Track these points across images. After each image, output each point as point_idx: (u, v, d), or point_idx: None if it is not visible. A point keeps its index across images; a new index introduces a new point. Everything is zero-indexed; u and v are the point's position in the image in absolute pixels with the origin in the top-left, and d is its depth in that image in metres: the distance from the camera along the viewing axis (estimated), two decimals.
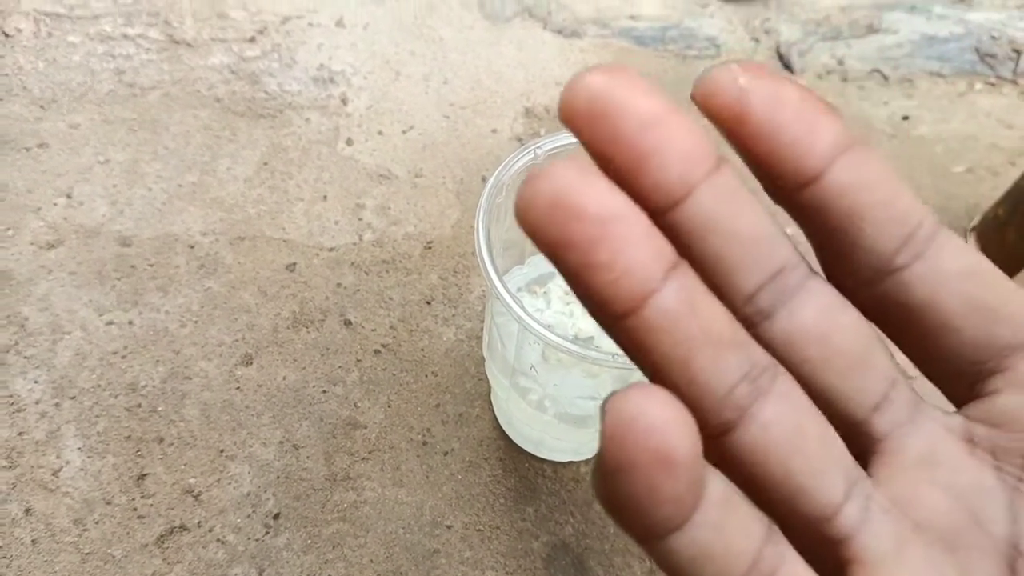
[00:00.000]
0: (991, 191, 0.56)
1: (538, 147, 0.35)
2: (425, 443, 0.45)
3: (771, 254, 0.16)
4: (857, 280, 0.17)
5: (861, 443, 0.17)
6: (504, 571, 0.41)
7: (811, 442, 0.16)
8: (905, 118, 0.61)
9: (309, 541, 0.41)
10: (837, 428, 0.17)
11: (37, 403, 0.44)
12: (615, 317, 0.15)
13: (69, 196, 0.52)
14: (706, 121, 0.17)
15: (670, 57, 0.63)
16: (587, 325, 0.40)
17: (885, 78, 0.63)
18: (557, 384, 0.37)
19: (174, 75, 0.58)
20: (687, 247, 0.16)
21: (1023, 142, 0.60)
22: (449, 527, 0.42)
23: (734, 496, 0.16)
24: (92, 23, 0.60)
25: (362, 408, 0.45)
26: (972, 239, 0.54)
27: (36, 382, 0.45)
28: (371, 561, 0.41)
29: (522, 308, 0.31)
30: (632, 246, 0.15)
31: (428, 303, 0.49)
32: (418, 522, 0.42)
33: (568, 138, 0.36)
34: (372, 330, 0.48)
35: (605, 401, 0.14)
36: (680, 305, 0.15)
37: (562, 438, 0.41)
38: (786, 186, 0.17)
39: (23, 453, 0.43)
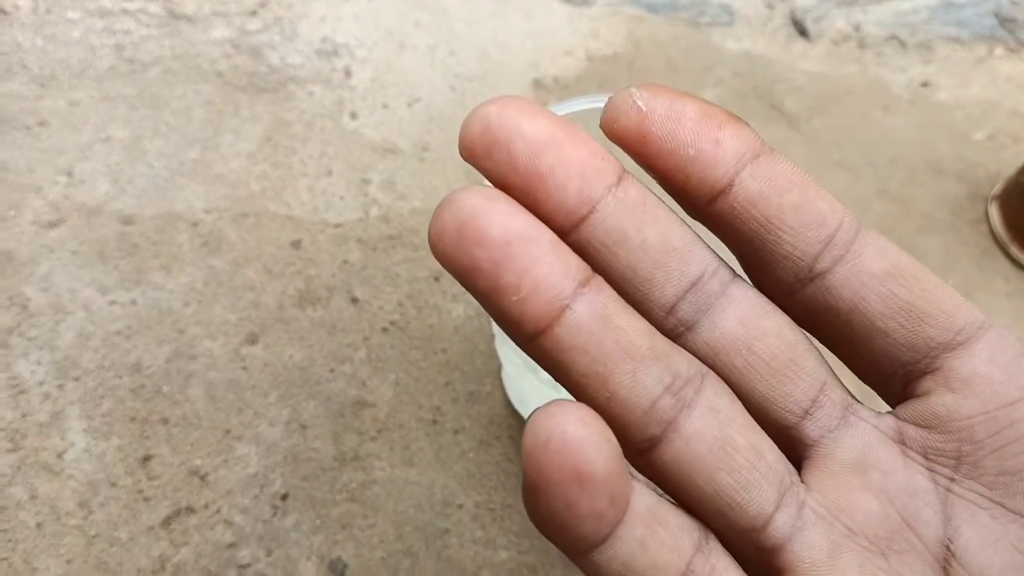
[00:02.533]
0: (1013, 158, 0.55)
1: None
2: (435, 422, 0.44)
3: (686, 263, 0.16)
4: (781, 288, 0.17)
5: (793, 449, 0.17)
6: (517, 550, 0.40)
7: (738, 453, 0.16)
8: (924, 84, 0.59)
9: (318, 522, 0.41)
10: (769, 434, 0.17)
11: (40, 384, 0.44)
12: (528, 338, 0.15)
13: (70, 174, 0.51)
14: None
15: (682, 24, 0.61)
16: None
17: (903, 44, 0.62)
18: None
19: (175, 50, 0.57)
20: (598, 264, 0.16)
21: None
22: (460, 506, 0.41)
23: (661, 509, 0.16)
24: None
25: (370, 387, 0.44)
26: (995, 207, 0.53)
27: (39, 363, 0.44)
28: (381, 541, 0.40)
29: None
30: (537, 265, 0.15)
31: (436, 279, 0.48)
32: (429, 501, 0.41)
33: (580, 104, 0.34)
34: (380, 307, 0.47)
35: (528, 417, 0.14)
36: (592, 320, 0.15)
37: None
38: (697, 200, 0.16)
39: (27, 435, 0.42)
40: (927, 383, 0.17)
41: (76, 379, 0.44)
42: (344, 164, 0.53)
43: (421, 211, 0.51)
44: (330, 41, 0.58)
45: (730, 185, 0.16)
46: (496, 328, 0.39)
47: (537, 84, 0.57)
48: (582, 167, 0.15)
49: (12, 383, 0.44)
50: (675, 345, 0.16)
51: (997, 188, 0.53)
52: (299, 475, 0.42)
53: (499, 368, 0.45)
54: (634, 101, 0.16)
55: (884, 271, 0.16)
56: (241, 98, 0.55)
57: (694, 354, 0.17)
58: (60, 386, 0.44)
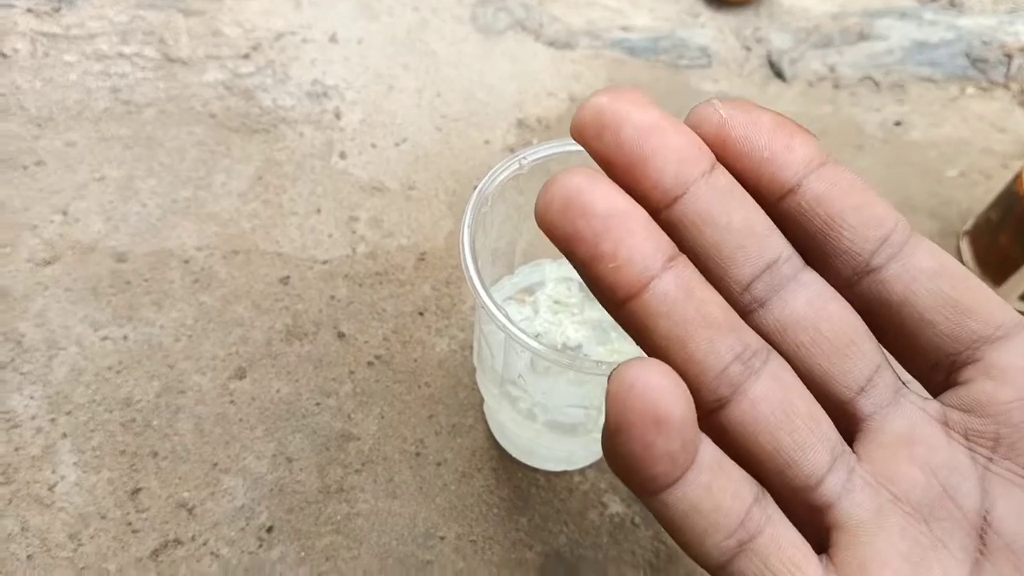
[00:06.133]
0: (984, 195, 0.56)
1: (523, 158, 0.35)
2: (418, 454, 0.45)
3: (765, 247, 0.18)
4: (839, 281, 0.19)
5: (847, 422, 0.19)
6: None
7: (798, 418, 0.18)
8: (897, 123, 0.61)
9: (303, 554, 0.41)
10: (825, 408, 0.18)
11: (33, 419, 0.45)
12: (619, 302, 0.17)
13: (65, 213, 0.52)
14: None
15: (662, 67, 0.63)
16: (574, 334, 0.40)
17: (877, 84, 0.63)
18: (546, 392, 0.37)
19: (169, 92, 0.59)
20: (686, 241, 0.18)
21: (1015, 145, 0.60)
22: (442, 538, 0.42)
23: (725, 462, 0.18)
24: (88, 42, 0.61)
25: (355, 420, 0.45)
26: (966, 243, 0.54)
27: (32, 398, 0.45)
28: (364, 573, 0.41)
29: (507, 317, 0.31)
30: (633, 238, 0.17)
31: (421, 314, 0.50)
32: (411, 533, 0.42)
33: (551, 148, 0.36)
34: (365, 342, 0.48)
35: (611, 371, 0.16)
36: (678, 291, 0.17)
37: (553, 447, 0.42)
38: (768, 197, 0.18)
39: (19, 469, 0.43)
40: (969, 372, 0.18)
41: (68, 413, 0.45)
42: (333, 202, 0.54)
43: (407, 247, 0.52)
44: (320, 84, 0.60)
45: (798, 185, 0.18)
46: (477, 361, 0.41)
47: (521, 124, 0.59)
48: (681, 153, 0.17)
49: (5, 417, 0.45)
50: (746, 324, 0.18)
51: (968, 224, 0.55)
52: (284, 507, 0.43)
53: (482, 401, 0.46)
54: (716, 110, 0.18)
55: (933, 269, 0.18)
56: (233, 139, 0.57)
57: (764, 329, 0.18)
58: (52, 420, 0.45)
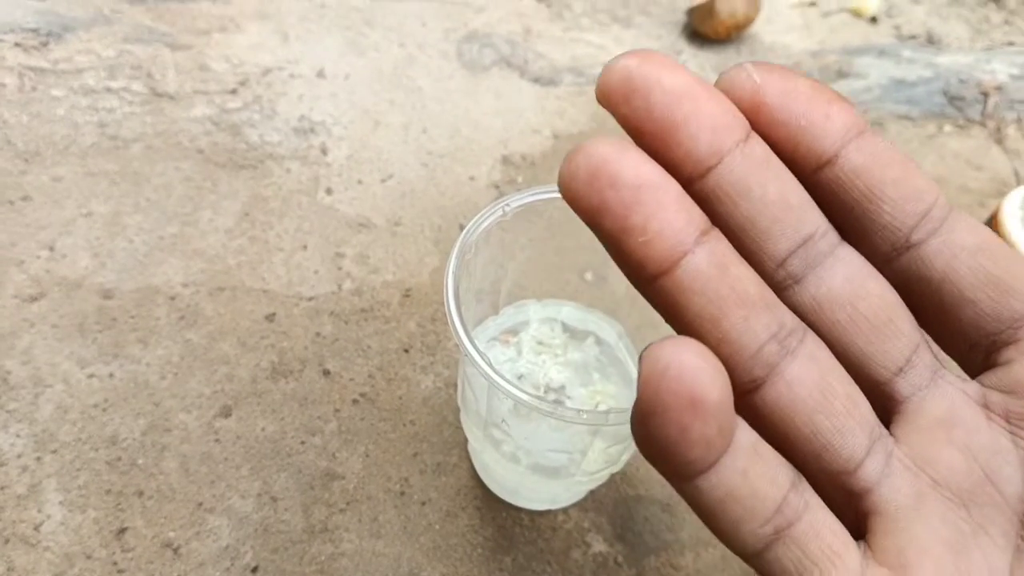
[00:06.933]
0: None
1: (506, 204, 0.36)
2: (403, 493, 0.45)
3: (801, 221, 0.17)
4: (877, 257, 0.18)
5: (884, 404, 0.18)
6: None
7: (836, 400, 0.17)
8: None
9: None
10: (861, 388, 0.18)
11: (19, 457, 0.45)
12: (649, 278, 0.16)
13: (52, 249, 0.52)
14: None
15: None
16: (557, 375, 0.40)
17: None
18: (528, 437, 0.37)
19: (156, 127, 0.59)
20: (719, 213, 0.17)
21: (991, 184, 0.62)
22: None
23: (762, 446, 0.17)
24: (76, 77, 0.61)
25: (340, 459, 0.46)
26: None
27: (18, 436, 0.45)
28: None
29: (489, 365, 0.31)
30: (664, 210, 0.16)
31: (406, 351, 0.50)
32: (395, 574, 0.42)
33: (535, 194, 0.36)
34: (350, 379, 0.49)
35: (642, 351, 0.16)
36: (711, 267, 0.16)
37: (537, 488, 0.42)
38: (805, 168, 0.18)
39: (4, 508, 0.43)
40: (1010, 352, 0.18)
41: (54, 452, 0.45)
42: (319, 238, 0.54)
43: (393, 284, 0.53)
44: (307, 119, 0.61)
45: (836, 156, 0.17)
46: (461, 403, 0.41)
47: (505, 160, 0.59)
48: (715, 120, 0.16)
49: None
50: (781, 302, 0.17)
51: None
52: (269, 547, 0.43)
53: (466, 440, 0.47)
54: (749, 75, 0.17)
55: (975, 245, 0.17)
56: (220, 174, 0.57)
57: (800, 307, 0.18)
58: (38, 459, 0.45)
